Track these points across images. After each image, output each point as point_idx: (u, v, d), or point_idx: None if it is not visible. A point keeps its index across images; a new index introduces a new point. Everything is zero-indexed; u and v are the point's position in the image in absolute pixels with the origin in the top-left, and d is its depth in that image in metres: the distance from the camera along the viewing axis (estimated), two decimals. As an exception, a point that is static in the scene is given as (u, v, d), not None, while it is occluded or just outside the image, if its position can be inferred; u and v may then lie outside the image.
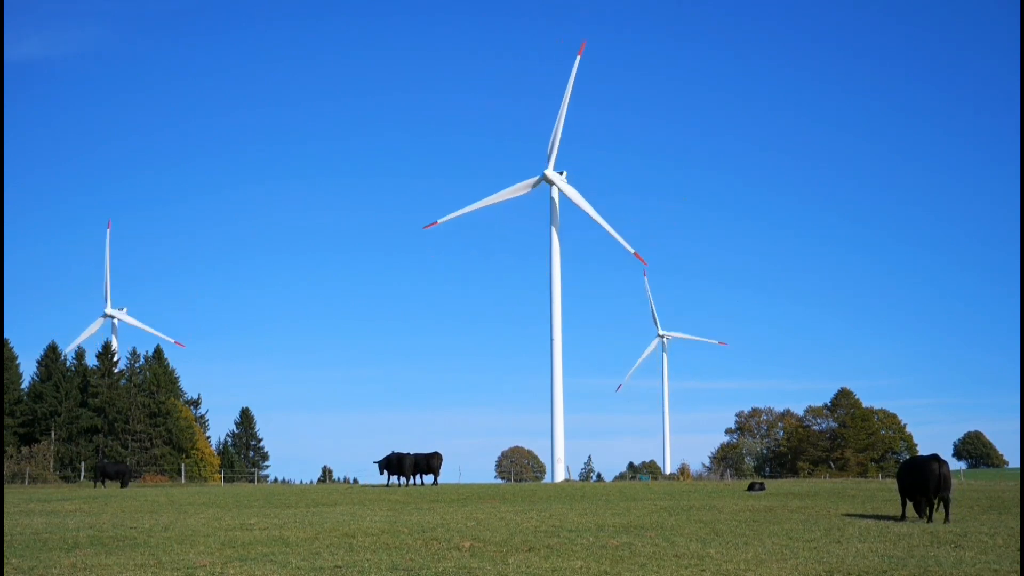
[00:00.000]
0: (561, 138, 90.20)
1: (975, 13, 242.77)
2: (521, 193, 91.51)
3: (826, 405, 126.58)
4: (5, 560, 18.44)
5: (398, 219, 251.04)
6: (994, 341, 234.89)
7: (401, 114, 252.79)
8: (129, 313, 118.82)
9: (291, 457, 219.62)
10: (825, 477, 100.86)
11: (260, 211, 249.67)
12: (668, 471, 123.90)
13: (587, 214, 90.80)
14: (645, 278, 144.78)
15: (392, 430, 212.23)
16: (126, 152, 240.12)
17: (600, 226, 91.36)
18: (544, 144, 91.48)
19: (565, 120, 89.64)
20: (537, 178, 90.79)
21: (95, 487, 59.64)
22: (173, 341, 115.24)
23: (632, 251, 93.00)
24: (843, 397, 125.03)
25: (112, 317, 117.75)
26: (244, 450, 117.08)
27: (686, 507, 31.91)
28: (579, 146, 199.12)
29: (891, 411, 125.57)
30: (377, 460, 54.66)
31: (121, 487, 59.48)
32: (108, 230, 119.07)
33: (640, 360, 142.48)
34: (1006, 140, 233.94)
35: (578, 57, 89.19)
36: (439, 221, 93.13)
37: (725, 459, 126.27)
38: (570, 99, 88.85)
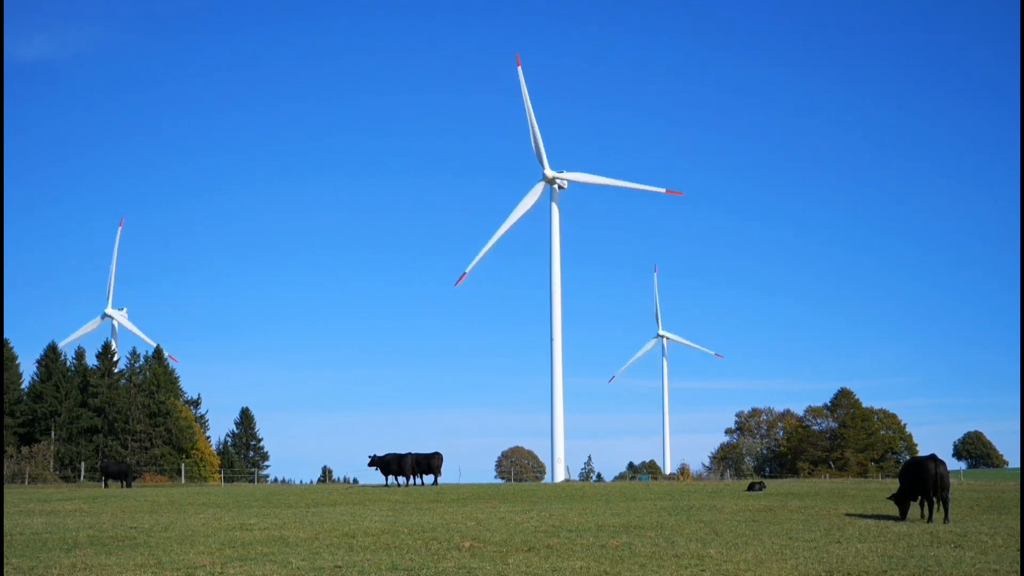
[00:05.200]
0: (543, 140, 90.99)
1: (975, 13, 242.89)
2: (530, 205, 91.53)
3: (826, 405, 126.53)
4: (5, 560, 18.44)
5: (398, 219, 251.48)
6: (994, 341, 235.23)
7: (401, 115, 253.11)
8: (129, 314, 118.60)
9: (291, 457, 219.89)
10: (825, 477, 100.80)
11: (260, 211, 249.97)
12: (668, 471, 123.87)
13: (605, 185, 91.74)
14: (655, 275, 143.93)
15: (392, 430, 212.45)
16: (126, 152, 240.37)
17: (624, 188, 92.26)
18: (549, 141, 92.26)
19: (538, 124, 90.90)
20: (540, 183, 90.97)
21: (104, 487, 59.56)
22: (167, 355, 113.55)
23: (664, 191, 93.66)
24: (843, 397, 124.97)
25: (111, 318, 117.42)
26: (244, 450, 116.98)
27: (686, 507, 31.90)
28: (577, 147, 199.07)
29: (891, 411, 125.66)
30: (374, 456, 54.26)
31: (126, 487, 59.47)
32: (120, 228, 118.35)
33: (637, 355, 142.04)
34: (1006, 140, 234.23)
35: (518, 67, 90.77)
36: (467, 271, 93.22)
37: (725, 459, 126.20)
38: (532, 104, 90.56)
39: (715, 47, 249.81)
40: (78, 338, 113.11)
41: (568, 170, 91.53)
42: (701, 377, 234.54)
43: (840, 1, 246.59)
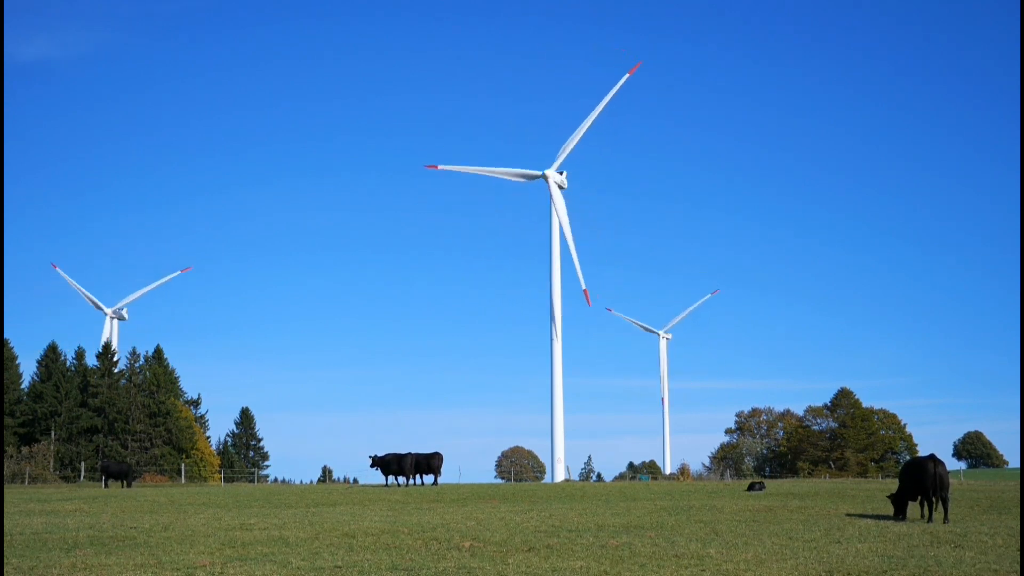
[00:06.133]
0: (576, 144, 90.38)
1: (975, 13, 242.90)
2: (519, 179, 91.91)
3: (826, 405, 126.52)
4: (5, 560, 18.44)
5: (398, 219, 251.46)
6: (994, 341, 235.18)
7: (403, 114, 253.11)
8: (128, 315, 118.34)
9: (291, 457, 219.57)
10: (825, 477, 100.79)
11: (260, 211, 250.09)
12: (668, 471, 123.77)
13: (563, 229, 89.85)
14: (711, 295, 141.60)
15: (392, 430, 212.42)
16: (126, 152, 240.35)
17: (568, 247, 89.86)
18: (553, 141, 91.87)
19: (588, 129, 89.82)
20: (538, 173, 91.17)
21: (104, 487, 59.56)
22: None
23: (583, 288, 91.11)
24: (843, 397, 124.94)
25: (104, 313, 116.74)
26: (244, 450, 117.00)
27: (686, 507, 31.91)
28: (582, 145, 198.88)
29: (891, 411, 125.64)
30: (375, 456, 54.25)
31: (126, 487, 59.47)
32: (182, 271, 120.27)
33: (635, 322, 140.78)
34: (1006, 140, 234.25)
35: (627, 75, 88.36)
36: (440, 166, 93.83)
37: (725, 459, 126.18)
38: (601, 112, 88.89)
39: (714, 46, 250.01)
40: (68, 282, 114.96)
41: (570, 174, 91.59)
42: (701, 377, 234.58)
43: (840, 1, 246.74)
